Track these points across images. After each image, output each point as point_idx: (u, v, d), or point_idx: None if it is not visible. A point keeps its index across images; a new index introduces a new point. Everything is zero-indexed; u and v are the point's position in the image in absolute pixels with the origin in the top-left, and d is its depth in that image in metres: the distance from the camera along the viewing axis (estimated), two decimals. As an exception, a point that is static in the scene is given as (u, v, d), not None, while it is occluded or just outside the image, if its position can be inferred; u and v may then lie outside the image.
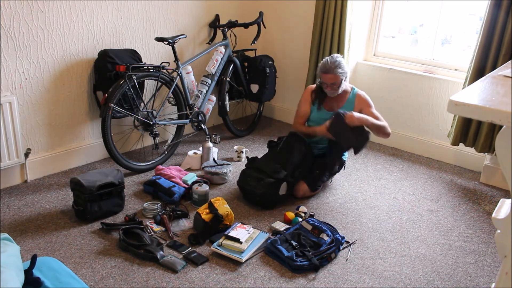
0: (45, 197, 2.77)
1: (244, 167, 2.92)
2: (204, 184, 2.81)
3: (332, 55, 2.97)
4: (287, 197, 2.84)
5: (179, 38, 3.26)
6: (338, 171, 3.13)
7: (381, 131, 2.89)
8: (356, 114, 2.78)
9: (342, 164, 3.13)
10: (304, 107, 3.09)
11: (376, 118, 2.91)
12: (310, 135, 3.01)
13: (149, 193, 2.85)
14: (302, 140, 2.93)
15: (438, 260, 2.38)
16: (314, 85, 3.11)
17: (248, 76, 3.89)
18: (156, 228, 2.47)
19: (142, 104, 3.16)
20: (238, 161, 3.47)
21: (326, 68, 2.87)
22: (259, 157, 3.00)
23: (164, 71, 3.14)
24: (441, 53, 3.67)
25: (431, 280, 2.21)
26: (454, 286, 2.18)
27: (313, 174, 2.92)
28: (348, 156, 3.49)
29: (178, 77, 3.28)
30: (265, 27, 3.96)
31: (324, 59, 2.93)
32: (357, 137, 2.78)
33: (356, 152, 2.84)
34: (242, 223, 2.50)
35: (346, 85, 3.01)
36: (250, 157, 3.00)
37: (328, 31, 3.69)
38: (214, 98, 3.71)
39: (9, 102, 2.67)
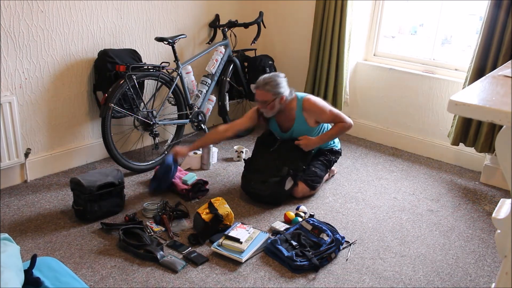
0: (45, 197, 2.77)
1: (244, 170, 2.91)
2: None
3: (275, 73, 2.90)
4: (290, 195, 2.85)
5: (179, 38, 3.26)
6: (335, 161, 3.09)
7: (340, 134, 2.93)
8: (312, 140, 2.82)
9: (336, 153, 3.08)
10: (242, 120, 3.01)
11: (335, 118, 2.88)
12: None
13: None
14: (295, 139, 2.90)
15: (438, 260, 2.37)
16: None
17: (248, 76, 3.89)
18: (156, 228, 2.47)
19: (142, 104, 3.16)
20: (238, 161, 3.46)
21: (257, 83, 2.82)
22: (253, 156, 2.99)
23: (164, 71, 3.14)
24: (441, 53, 3.67)
25: (431, 280, 2.21)
26: (454, 286, 2.18)
27: (309, 170, 2.92)
28: (347, 154, 3.49)
29: (178, 77, 3.28)
30: (265, 27, 3.96)
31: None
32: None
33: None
34: (242, 223, 2.50)
35: (287, 102, 2.86)
36: (245, 159, 2.98)
37: (328, 31, 3.69)
38: (214, 98, 3.71)
39: (9, 102, 2.67)
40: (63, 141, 3.11)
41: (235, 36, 3.91)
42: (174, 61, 3.27)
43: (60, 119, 3.05)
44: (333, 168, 3.18)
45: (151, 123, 3.10)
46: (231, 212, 2.52)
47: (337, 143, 3.13)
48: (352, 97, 3.99)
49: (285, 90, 2.83)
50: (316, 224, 2.46)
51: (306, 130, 2.91)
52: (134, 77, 2.93)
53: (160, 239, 2.39)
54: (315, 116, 2.88)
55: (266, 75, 2.86)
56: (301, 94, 2.95)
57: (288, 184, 2.78)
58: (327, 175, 3.09)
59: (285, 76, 2.91)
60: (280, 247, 2.27)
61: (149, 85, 3.38)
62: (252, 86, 3.80)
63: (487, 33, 3.04)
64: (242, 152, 3.48)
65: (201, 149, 3.31)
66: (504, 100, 1.25)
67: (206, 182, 2.93)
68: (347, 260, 2.33)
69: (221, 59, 3.63)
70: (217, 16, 3.85)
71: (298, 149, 2.87)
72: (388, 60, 3.90)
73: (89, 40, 3.05)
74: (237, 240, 2.30)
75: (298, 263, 2.20)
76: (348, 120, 2.89)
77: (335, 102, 3.80)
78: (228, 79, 3.72)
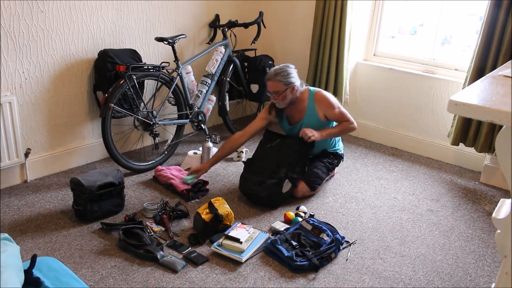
0: (45, 197, 2.77)
1: (243, 171, 2.91)
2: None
3: (285, 64, 2.92)
4: (290, 195, 2.85)
5: (179, 38, 3.26)
6: (337, 165, 3.11)
7: (343, 133, 2.95)
8: (316, 134, 2.79)
9: (339, 158, 3.11)
10: (254, 122, 3.03)
11: (342, 117, 2.90)
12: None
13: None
14: (296, 137, 2.90)
15: (438, 260, 2.37)
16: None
17: (248, 76, 3.89)
18: (156, 228, 2.47)
19: (142, 104, 3.16)
20: (238, 161, 3.46)
21: (268, 75, 2.87)
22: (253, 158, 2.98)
23: (164, 71, 3.14)
24: (441, 53, 3.67)
25: (431, 280, 2.21)
26: (454, 286, 2.18)
27: (310, 171, 2.92)
28: (347, 154, 3.49)
29: (178, 77, 3.28)
30: (265, 27, 3.96)
31: None
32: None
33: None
34: (242, 223, 2.50)
35: (299, 93, 2.91)
36: (245, 160, 2.98)
37: (328, 31, 3.69)
38: (214, 98, 3.71)
39: (9, 102, 2.67)
40: (63, 141, 3.11)
41: (235, 36, 3.91)
42: (174, 61, 3.27)
43: (60, 119, 3.05)
44: None
45: (151, 123, 3.10)
46: (231, 212, 2.52)
47: (341, 148, 3.15)
48: (352, 97, 3.99)
49: (295, 80, 2.88)
50: (316, 224, 2.46)
51: (316, 123, 2.91)
52: (134, 77, 2.93)
53: (160, 239, 2.39)
54: (325, 109, 2.90)
55: (276, 67, 2.91)
56: (313, 88, 3.00)
57: (286, 186, 2.77)
58: (327, 177, 3.09)
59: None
60: (280, 247, 2.27)
61: (149, 85, 3.38)
62: (253, 86, 3.83)
63: (487, 33, 3.03)
64: (242, 152, 3.48)
65: (201, 149, 3.31)
66: (504, 100, 1.25)
67: (206, 182, 2.93)
68: (347, 260, 2.33)
69: (221, 59, 3.63)
70: (217, 16, 3.85)
71: (296, 151, 2.86)
72: (388, 60, 3.90)
73: (89, 40, 3.05)
74: (237, 240, 2.30)
75: (298, 263, 2.20)
76: (354, 121, 2.91)
77: (335, 102, 3.80)
78: (228, 79, 3.72)
